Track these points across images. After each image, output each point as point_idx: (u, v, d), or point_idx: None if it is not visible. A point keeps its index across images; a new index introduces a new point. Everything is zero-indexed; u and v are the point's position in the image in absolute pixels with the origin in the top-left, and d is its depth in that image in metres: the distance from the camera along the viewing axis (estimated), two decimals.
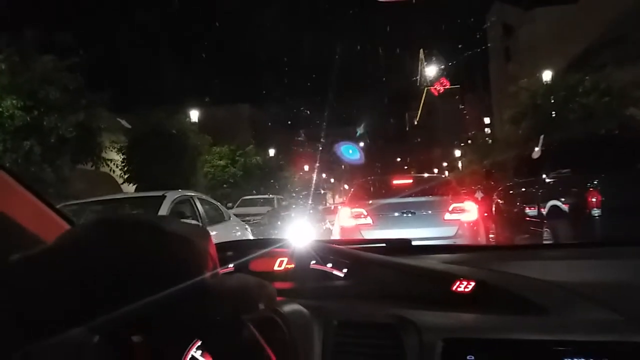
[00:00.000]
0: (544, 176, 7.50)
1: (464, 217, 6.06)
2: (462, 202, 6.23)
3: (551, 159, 7.54)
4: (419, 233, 5.68)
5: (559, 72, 17.71)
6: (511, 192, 9.30)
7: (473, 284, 1.16)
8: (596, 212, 5.91)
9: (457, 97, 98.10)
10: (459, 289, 1.16)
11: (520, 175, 8.82)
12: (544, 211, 7.09)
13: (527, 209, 8.03)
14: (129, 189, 18.32)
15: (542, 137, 8.70)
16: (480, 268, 1.31)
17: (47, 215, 1.05)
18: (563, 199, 6.66)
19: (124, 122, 16.98)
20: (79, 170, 13.65)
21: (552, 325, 0.99)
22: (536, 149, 8.67)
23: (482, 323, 1.04)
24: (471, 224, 6.05)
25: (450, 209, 6.08)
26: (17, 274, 0.45)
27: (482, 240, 6.21)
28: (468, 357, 0.93)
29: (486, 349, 0.94)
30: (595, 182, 6.00)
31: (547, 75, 17.74)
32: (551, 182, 7.26)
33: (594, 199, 5.94)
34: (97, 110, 11.67)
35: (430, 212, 6.16)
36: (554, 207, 6.78)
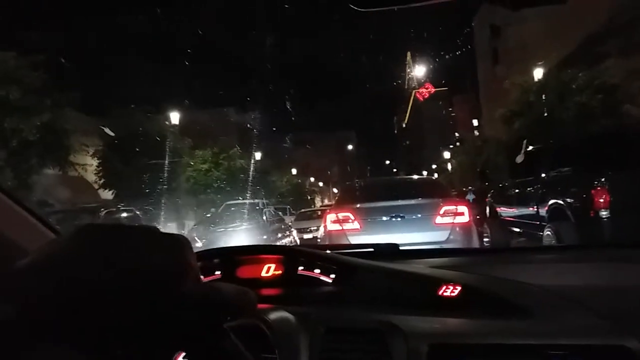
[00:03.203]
0: (543, 175, 6.98)
1: (456, 220, 5.74)
2: (454, 204, 5.91)
3: (551, 157, 7.09)
4: (408, 238, 5.38)
5: (551, 70, 17.32)
6: (507, 193, 8.77)
7: (459, 288, 1.16)
8: (604, 212, 5.44)
9: (445, 99, 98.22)
10: (445, 294, 1.17)
11: (517, 175, 8.33)
12: (545, 213, 6.61)
13: (525, 210, 7.58)
14: (106, 194, 17.61)
15: (524, 141, 8.55)
16: (467, 272, 1.30)
17: (32, 224, 1.03)
18: (566, 200, 6.24)
19: (107, 130, 16.11)
20: (54, 176, 12.93)
21: (538, 329, 1.01)
22: (531, 149, 8.30)
23: (468, 328, 1.06)
24: (464, 228, 5.75)
25: (441, 212, 5.76)
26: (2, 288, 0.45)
27: (475, 244, 5.92)
28: None
29: (472, 354, 0.97)
30: (603, 180, 5.51)
31: (538, 73, 17.35)
32: (552, 182, 6.80)
33: (601, 199, 5.47)
34: (63, 111, 10.90)
35: (420, 215, 5.86)
36: (556, 208, 6.35)
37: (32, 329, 0.42)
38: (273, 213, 14.68)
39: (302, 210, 21.93)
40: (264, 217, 12.76)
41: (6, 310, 0.42)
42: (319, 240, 11.63)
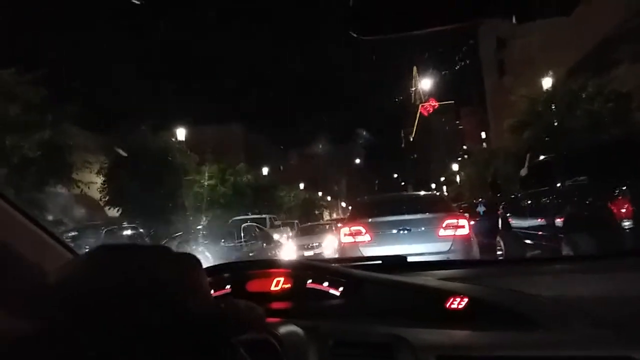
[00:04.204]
0: (558, 185, 6.70)
1: (457, 233, 6.26)
2: (455, 218, 6.44)
3: (565, 166, 6.81)
4: (415, 249, 5.89)
5: (559, 80, 17.06)
6: (520, 204, 8.46)
7: (466, 300, 1.17)
8: (626, 222, 5.16)
9: (452, 112, 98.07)
10: (452, 306, 1.17)
11: (529, 185, 8.04)
12: (561, 224, 6.30)
13: (539, 222, 7.28)
14: (112, 212, 17.46)
15: (528, 155, 8.69)
16: (474, 284, 1.29)
17: (48, 245, 1.01)
18: (584, 210, 5.98)
19: (120, 152, 15.77)
20: (62, 195, 12.77)
21: (545, 340, 1.02)
22: (543, 159, 8.07)
23: (475, 340, 1.06)
24: (464, 239, 6.27)
25: (444, 225, 6.28)
26: (21, 307, 0.50)
27: (475, 254, 6.39)
28: None
29: None
30: (624, 189, 5.20)
31: (547, 83, 17.09)
32: (567, 192, 6.51)
33: (623, 209, 5.18)
34: (65, 127, 10.76)
35: (424, 228, 6.38)
36: (573, 219, 6.03)
37: (56, 343, 0.44)
38: (257, 230, 13.07)
39: (303, 225, 19.84)
40: (241, 235, 11.25)
41: (31, 326, 0.45)
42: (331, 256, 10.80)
